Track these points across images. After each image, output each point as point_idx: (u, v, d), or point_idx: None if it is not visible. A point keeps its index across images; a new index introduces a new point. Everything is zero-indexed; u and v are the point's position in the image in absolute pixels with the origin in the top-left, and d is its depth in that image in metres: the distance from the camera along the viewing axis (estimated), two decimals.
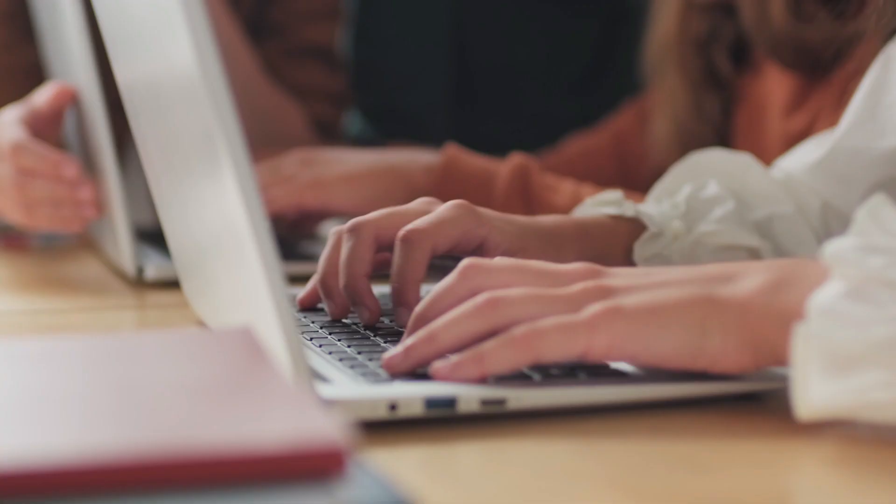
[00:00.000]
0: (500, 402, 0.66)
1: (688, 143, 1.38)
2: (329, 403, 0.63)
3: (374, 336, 0.79)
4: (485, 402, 0.66)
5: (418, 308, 0.72)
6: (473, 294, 0.69)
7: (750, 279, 0.67)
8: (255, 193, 0.61)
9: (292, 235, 1.29)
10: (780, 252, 0.96)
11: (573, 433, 0.65)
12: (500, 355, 0.67)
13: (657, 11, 1.46)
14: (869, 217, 0.66)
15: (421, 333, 0.70)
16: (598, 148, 1.61)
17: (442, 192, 1.17)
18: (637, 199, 1.01)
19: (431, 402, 0.65)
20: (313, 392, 0.60)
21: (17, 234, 1.36)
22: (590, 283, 0.69)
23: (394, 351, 0.70)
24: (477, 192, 1.17)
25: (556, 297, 0.69)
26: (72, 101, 1.17)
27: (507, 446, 0.64)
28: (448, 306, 0.70)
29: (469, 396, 0.66)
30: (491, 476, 0.60)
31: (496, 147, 1.60)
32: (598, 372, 0.70)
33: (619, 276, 0.71)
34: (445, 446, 0.64)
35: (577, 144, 1.62)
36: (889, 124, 0.94)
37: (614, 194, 0.95)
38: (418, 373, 0.69)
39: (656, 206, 0.95)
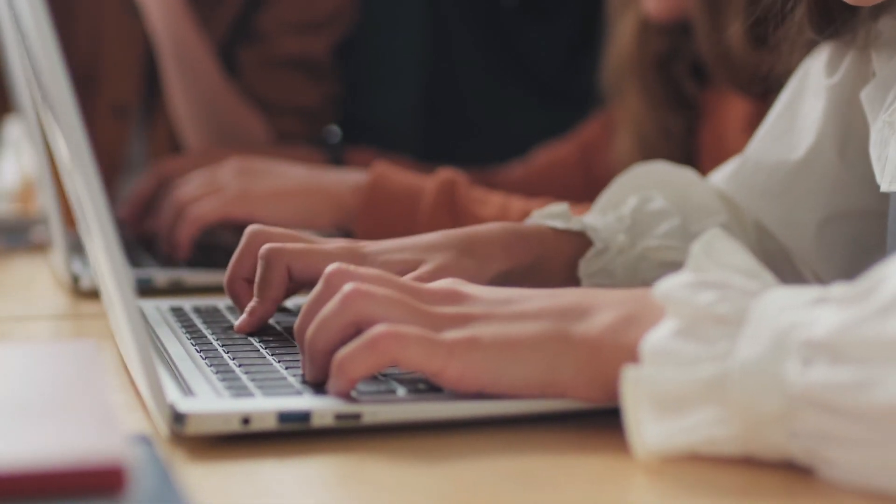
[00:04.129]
0: (356, 416, 0.67)
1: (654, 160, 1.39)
2: (183, 417, 0.65)
3: (268, 349, 0.81)
4: (339, 417, 0.67)
5: (296, 324, 0.74)
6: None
7: (602, 315, 0.68)
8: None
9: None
10: None
11: (424, 448, 0.66)
12: (358, 361, 0.67)
13: (613, 31, 1.47)
14: (703, 252, 0.66)
15: (305, 350, 0.71)
16: (566, 158, 1.62)
17: (369, 212, 1.19)
18: (586, 211, 1.02)
19: (285, 417, 0.66)
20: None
21: None
22: (450, 309, 0.70)
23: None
24: (404, 209, 1.18)
25: (419, 310, 0.70)
26: None
27: (359, 461, 0.65)
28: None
29: (323, 411, 0.67)
30: (327, 491, 0.61)
31: (466, 160, 1.61)
32: None
33: (479, 302, 0.71)
34: (299, 460, 0.65)
35: (545, 155, 1.63)
36: (802, 137, 0.95)
37: (560, 207, 0.96)
38: None
39: (601, 218, 0.96)
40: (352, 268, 0.73)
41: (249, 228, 0.88)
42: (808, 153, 0.95)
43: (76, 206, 0.87)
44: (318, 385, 0.71)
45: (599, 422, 0.69)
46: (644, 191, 0.99)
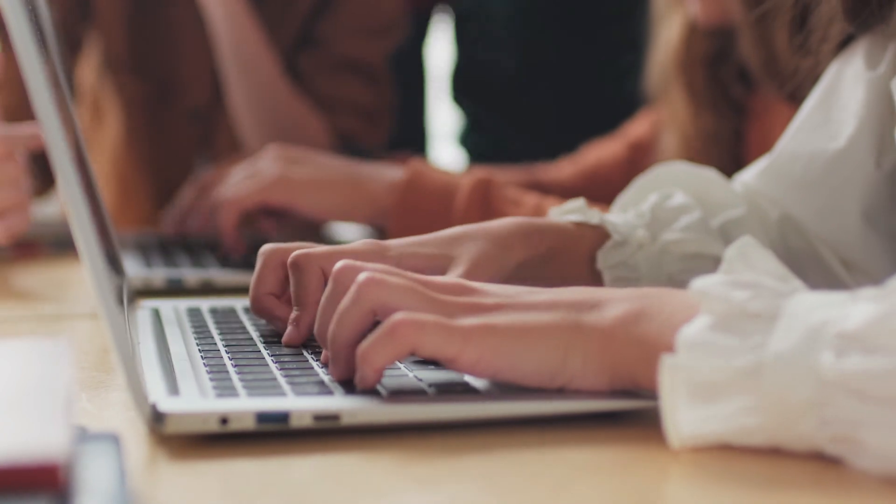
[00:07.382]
0: (334, 417, 0.68)
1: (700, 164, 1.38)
2: (162, 416, 0.66)
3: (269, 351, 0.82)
4: (318, 418, 0.68)
5: (316, 326, 0.76)
6: None
7: (614, 307, 0.70)
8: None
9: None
10: None
11: (402, 450, 0.66)
12: (380, 350, 0.69)
13: (658, 32, 1.46)
14: (738, 256, 0.68)
15: (329, 348, 0.73)
16: (614, 159, 1.62)
17: (404, 209, 1.20)
18: (605, 209, 1.03)
19: (263, 417, 0.67)
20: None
21: (30, 243, 1.41)
22: (461, 299, 0.72)
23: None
24: (437, 207, 1.19)
25: (433, 299, 0.71)
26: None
27: (336, 462, 0.66)
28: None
29: (302, 411, 0.68)
30: (301, 492, 0.62)
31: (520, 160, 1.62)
32: (449, 388, 0.72)
33: (489, 294, 0.73)
34: (277, 460, 0.66)
35: (594, 154, 1.63)
36: (842, 126, 0.95)
37: (577, 202, 0.96)
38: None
39: (621, 215, 0.97)
40: (358, 263, 0.74)
41: (263, 248, 0.87)
42: (849, 142, 0.95)
43: None
44: (347, 384, 0.72)
45: (565, 426, 0.70)
46: (663, 189, 1.00)
